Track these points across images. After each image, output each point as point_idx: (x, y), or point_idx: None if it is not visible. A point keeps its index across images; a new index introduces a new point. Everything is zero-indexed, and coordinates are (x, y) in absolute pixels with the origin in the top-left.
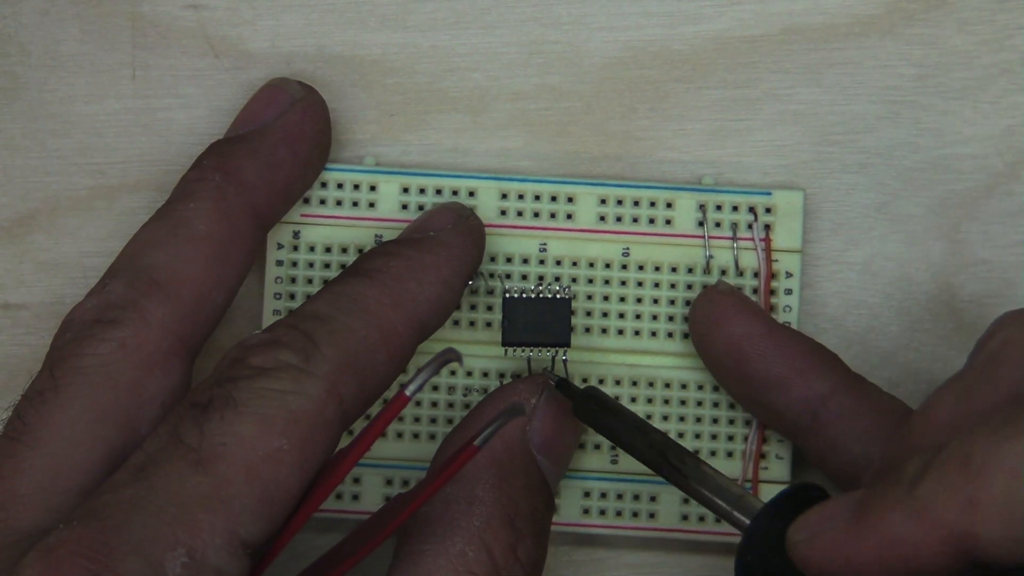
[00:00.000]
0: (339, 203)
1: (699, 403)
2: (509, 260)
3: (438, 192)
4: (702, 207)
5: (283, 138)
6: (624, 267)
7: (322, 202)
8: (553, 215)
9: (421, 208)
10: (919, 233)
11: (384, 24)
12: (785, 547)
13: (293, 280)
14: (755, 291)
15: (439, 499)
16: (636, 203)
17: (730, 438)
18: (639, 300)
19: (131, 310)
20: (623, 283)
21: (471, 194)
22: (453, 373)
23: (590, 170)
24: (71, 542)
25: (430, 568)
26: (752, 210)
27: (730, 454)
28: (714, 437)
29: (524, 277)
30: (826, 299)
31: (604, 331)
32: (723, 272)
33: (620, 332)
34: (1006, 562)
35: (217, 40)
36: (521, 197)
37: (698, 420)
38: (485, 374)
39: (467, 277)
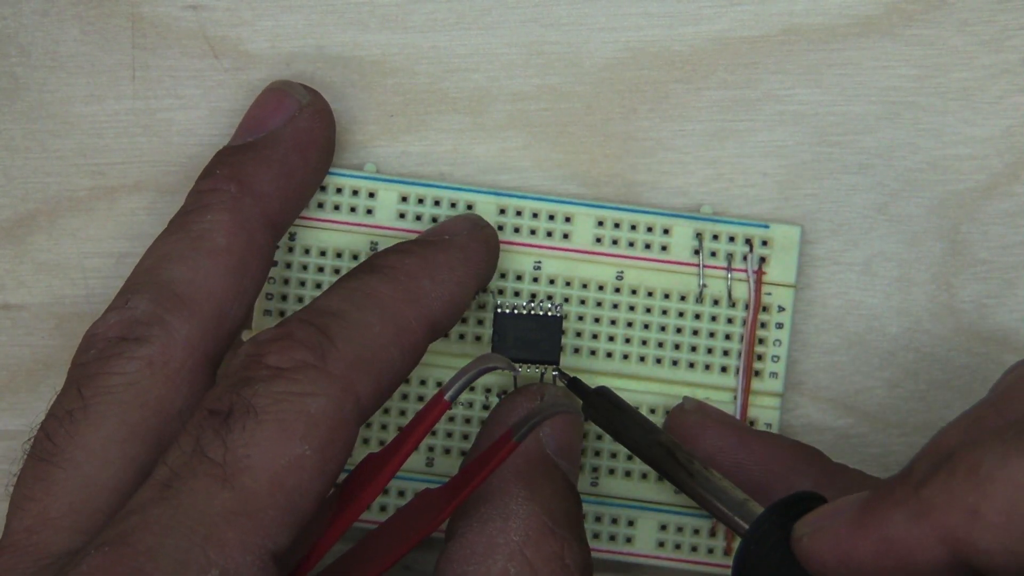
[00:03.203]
0: (337, 208)
1: None
2: (503, 276)
3: (436, 203)
4: (699, 236)
5: (294, 145)
6: (617, 290)
7: (320, 206)
8: (550, 233)
9: (418, 218)
10: (919, 233)
11: (384, 25)
12: (784, 549)
13: (286, 281)
14: (744, 322)
15: (476, 520)
16: (633, 227)
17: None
18: (630, 324)
19: (157, 327)
20: (615, 306)
21: (468, 207)
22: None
23: (589, 170)
24: (103, 570)
25: None
26: (748, 241)
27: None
28: None
29: (516, 294)
30: (826, 299)
31: (593, 353)
32: (715, 302)
33: (609, 355)
34: (1001, 574)
35: (217, 41)
36: (519, 213)
37: None
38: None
39: (479, 283)
